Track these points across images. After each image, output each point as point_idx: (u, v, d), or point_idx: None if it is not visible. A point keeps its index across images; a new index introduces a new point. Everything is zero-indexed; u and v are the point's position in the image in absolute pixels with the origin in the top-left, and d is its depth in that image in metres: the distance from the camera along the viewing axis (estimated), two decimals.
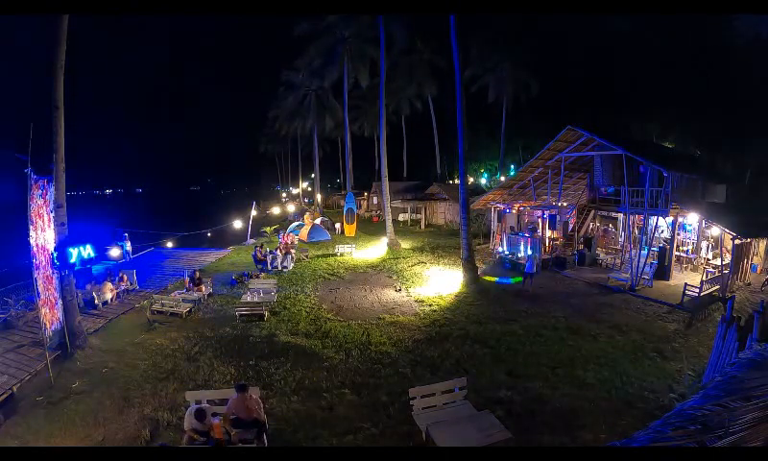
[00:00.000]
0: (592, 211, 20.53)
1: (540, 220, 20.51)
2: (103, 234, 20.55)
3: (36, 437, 6.99)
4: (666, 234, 17.80)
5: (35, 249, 9.03)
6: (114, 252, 18.50)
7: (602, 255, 19.08)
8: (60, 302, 9.71)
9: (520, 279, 15.82)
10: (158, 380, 8.78)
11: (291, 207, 43.91)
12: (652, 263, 15.64)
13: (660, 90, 27.59)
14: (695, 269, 16.80)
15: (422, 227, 32.79)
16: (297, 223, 28.27)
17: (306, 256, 21.00)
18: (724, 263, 14.55)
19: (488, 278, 16.84)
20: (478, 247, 21.68)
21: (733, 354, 6.19)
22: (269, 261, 18.37)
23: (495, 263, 19.30)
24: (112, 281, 14.32)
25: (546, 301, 13.87)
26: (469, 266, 15.91)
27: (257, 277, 16.98)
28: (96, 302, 13.08)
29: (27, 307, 12.11)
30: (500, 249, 20.27)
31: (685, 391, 7.49)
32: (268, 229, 30.59)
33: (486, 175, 46.40)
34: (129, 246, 20.18)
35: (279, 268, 18.23)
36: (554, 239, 20.42)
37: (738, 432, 2.16)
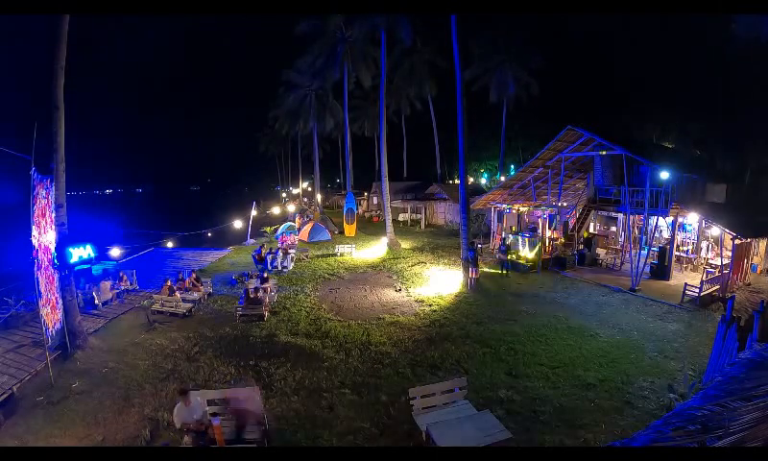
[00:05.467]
0: (592, 211, 20.53)
1: (539, 220, 20.51)
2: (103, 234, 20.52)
3: (36, 437, 6.99)
4: (666, 234, 17.81)
5: (37, 249, 9.03)
6: (115, 252, 18.48)
7: (602, 255, 19.09)
8: (60, 302, 9.72)
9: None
10: (158, 380, 8.78)
11: (291, 207, 43.89)
12: (652, 263, 15.66)
13: (660, 90, 27.61)
14: (695, 269, 16.80)
15: (422, 227, 32.78)
16: (288, 223, 28.20)
17: (306, 256, 21.00)
18: (724, 263, 14.55)
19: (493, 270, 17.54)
20: (478, 247, 21.66)
21: (733, 354, 6.17)
22: (269, 261, 18.37)
23: (495, 263, 19.29)
24: (112, 281, 14.31)
25: (546, 301, 13.88)
26: (469, 266, 15.88)
27: (257, 277, 16.97)
28: (96, 302, 13.08)
29: (27, 307, 12.12)
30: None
31: (685, 391, 7.48)
32: (268, 229, 30.60)
33: (486, 175, 46.40)
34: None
35: (279, 268, 18.23)
36: (554, 239, 20.43)
37: (738, 432, 2.15)
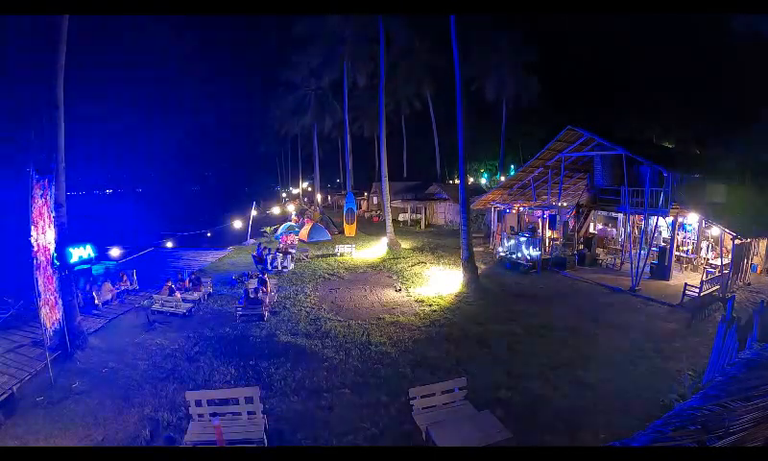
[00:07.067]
0: (592, 211, 20.52)
1: (539, 220, 20.51)
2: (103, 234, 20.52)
3: (36, 437, 6.99)
4: (666, 234, 17.79)
5: (36, 249, 9.03)
6: (115, 252, 18.47)
7: (602, 255, 19.08)
8: (60, 302, 9.71)
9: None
10: (158, 380, 8.78)
11: (291, 207, 43.90)
12: (652, 263, 15.63)
13: (660, 90, 27.64)
14: (695, 269, 16.80)
15: (422, 227, 32.77)
16: (288, 223, 28.18)
17: (306, 256, 21.00)
18: (724, 263, 14.55)
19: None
20: (478, 247, 21.67)
21: (733, 354, 6.17)
22: (269, 261, 18.36)
23: (496, 263, 19.30)
24: (112, 281, 14.31)
25: (546, 301, 13.87)
26: (469, 266, 15.89)
27: (257, 277, 16.96)
28: (96, 302, 13.07)
29: (27, 307, 12.11)
30: (500, 249, 20.27)
31: (685, 391, 7.48)
32: (268, 229, 30.59)
33: (486, 175, 46.44)
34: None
35: (279, 268, 18.23)
36: (554, 239, 20.42)
37: (738, 432, 2.15)
